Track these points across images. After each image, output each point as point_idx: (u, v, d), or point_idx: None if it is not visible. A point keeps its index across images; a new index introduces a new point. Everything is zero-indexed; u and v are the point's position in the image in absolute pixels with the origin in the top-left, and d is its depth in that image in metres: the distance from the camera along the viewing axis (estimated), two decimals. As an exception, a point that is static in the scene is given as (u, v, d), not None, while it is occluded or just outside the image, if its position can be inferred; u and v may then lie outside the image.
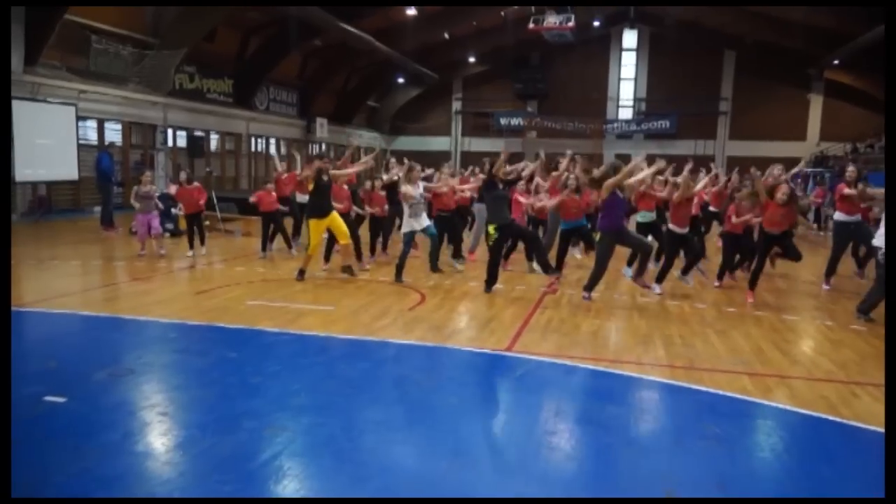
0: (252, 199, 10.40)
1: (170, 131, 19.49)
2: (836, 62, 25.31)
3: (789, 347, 5.85)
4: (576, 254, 10.23)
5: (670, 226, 8.11)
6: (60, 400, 4.04)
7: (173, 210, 11.20)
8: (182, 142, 19.99)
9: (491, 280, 7.91)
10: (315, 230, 8.29)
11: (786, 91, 30.00)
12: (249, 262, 9.84)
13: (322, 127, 27.13)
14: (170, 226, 11.82)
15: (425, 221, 8.51)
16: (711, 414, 4.21)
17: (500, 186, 7.87)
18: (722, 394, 4.52)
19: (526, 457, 3.54)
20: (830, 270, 8.70)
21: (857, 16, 20.95)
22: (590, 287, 7.61)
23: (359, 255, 9.33)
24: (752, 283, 7.84)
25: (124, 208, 15.28)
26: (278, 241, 10.68)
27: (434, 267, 8.68)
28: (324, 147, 29.14)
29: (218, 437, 3.59)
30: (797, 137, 30.25)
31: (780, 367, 5.21)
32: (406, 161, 9.34)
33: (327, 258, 9.24)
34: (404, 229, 8.49)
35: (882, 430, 3.91)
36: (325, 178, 8.31)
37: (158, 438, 3.63)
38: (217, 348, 5.42)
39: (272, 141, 25.65)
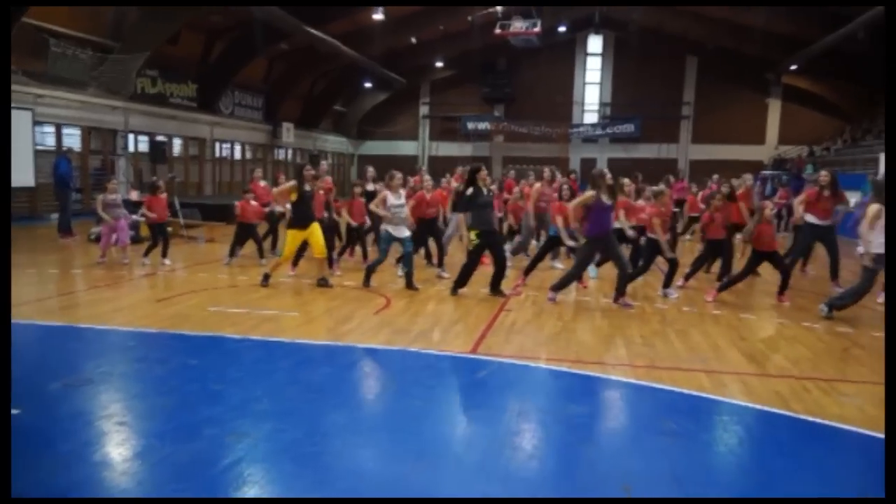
0: (237, 211, 10.04)
1: (131, 136, 19.16)
2: (793, 67, 26.01)
3: (745, 345, 5.99)
4: (556, 264, 10.23)
5: (649, 234, 8.15)
6: (14, 412, 3.94)
7: (134, 217, 10.98)
8: (144, 147, 19.66)
9: (461, 283, 7.94)
10: (293, 241, 8.24)
11: (746, 95, 30.73)
12: (212, 268, 9.72)
13: (288, 132, 26.96)
14: (132, 233, 11.62)
15: (404, 232, 8.33)
16: (669, 411, 4.30)
17: (486, 192, 7.84)
18: (680, 391, 4.62)
19: (488, 457, 3.57)
20: (791, 266, 8.91)
21: (814, 21, 21.57)
22: (558, 288, 7.69)
23: (331, 262, 9.30)
24: (724, 288, 8.02)
25: (82, 215, 14.98)
26: (245, 248, 10.57)
27: (410, 283, 8.25)
28: (290, 152, 28.97)
29: (177, 446, 3.55)
30: (757, 141, 31.01)
31: (736, 365, 5.34)
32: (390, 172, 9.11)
33: (295, 263, 9.18)
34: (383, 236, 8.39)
35: (828, 422, 4.06)
36: (307, 187, 8.22)
37: (116, 448, 3.57)
38: (177, 356, 5.35)
39: (237, 146, 25.40)
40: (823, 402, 4.44)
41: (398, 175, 8.48)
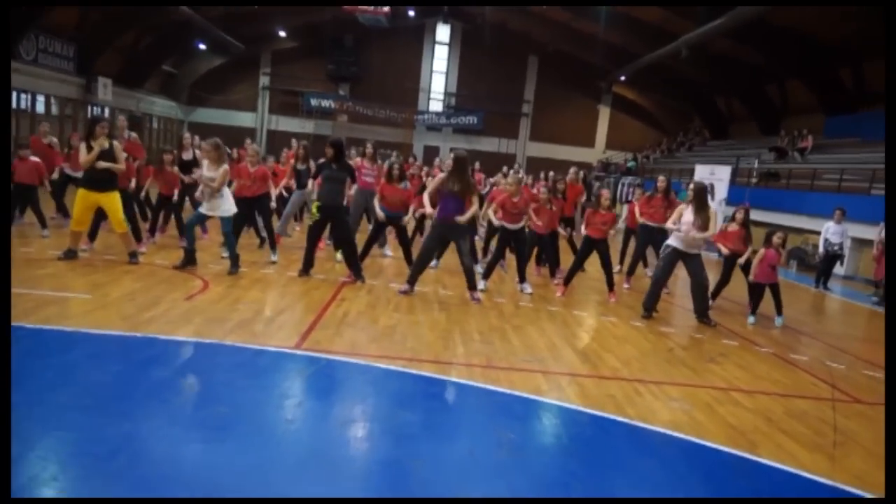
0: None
1: None
2: (622, 77, 27.74)
3: (579, 343, 5.95)
4: (386, 251, 9.95)
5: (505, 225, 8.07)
6: None
7: None
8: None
9: (307, 265, 7.62)
10: (81, 202, 7.05)
11: (580, 99, 32.36)
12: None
13: (105, 88, 24.07)
14: None
15: (219, 209, 7.33)
16: (507, 417, 4.00)
17: (334, 168, 7.35)
18: (517, 394, 4.36)
19: (297, 478, 3.02)
20: (632, 270, 9.24)
21: (641, 37, 23.05)
22: (412, 280, 7.30)
23: (138, 238, 8.18)
24: (568, 280, 8.24)
25: None
26: (28, 216, 9.05)
27: (234, 266, 7.42)
28: (107, 111, 25.97)
29: None
30: (587, 144, 32.84)
31: (571, 365, 5.23)
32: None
33: (92, 236, 7.92)
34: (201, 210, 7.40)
35: (661, 430, 3.98)
36: (106, 145, 7.07)
37: None
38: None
39: (40, 98, 22.21)
40: (654, 406, 4.40)
41: (209, 143, 7.39)
